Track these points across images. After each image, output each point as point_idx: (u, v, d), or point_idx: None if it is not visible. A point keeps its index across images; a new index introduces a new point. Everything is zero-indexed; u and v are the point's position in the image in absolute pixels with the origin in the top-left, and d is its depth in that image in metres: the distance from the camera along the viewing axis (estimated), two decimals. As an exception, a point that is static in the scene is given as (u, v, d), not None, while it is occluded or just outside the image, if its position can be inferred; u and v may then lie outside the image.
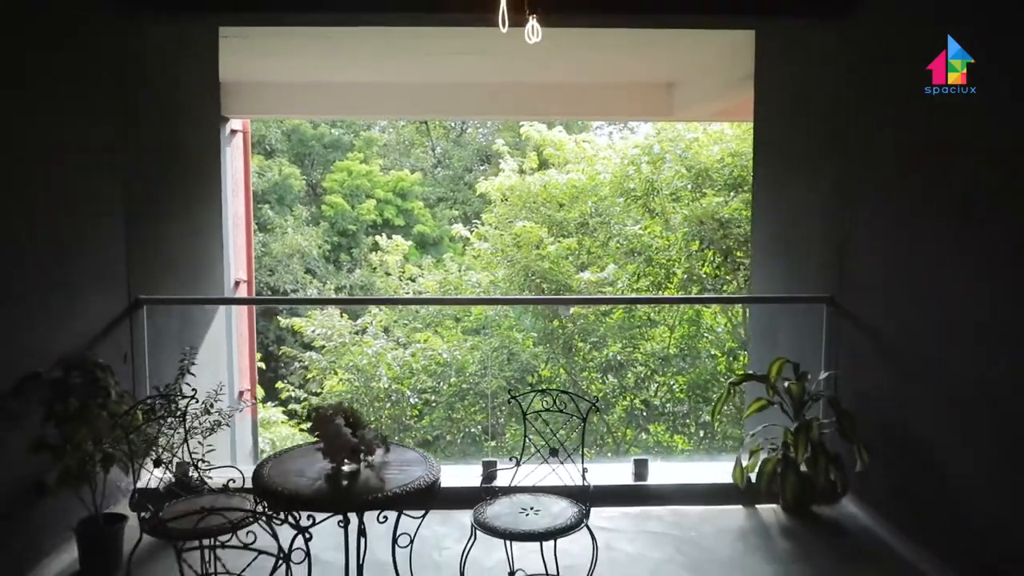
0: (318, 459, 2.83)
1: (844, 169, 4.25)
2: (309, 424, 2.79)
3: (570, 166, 10.89)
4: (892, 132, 3.86)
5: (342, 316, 10.27)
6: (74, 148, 3.70)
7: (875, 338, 4.02)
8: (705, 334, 10.25)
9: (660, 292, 9.80)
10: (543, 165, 11.64)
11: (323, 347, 9.83)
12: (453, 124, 19.30)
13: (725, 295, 9.50)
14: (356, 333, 9.95)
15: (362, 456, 2.76)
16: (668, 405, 10.03)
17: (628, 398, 9.90)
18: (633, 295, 9.75)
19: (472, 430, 9.69)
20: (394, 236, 12.63)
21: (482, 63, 6.58)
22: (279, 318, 11.72)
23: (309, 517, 2.66)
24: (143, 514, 3.03)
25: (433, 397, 9.70)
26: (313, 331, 9.79)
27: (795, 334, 4.68)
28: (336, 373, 9.67)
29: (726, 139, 9.31)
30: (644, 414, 9.73)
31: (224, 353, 5.96)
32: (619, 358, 9.46)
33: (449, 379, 9.62)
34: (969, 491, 3.27)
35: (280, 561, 2.31)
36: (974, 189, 3.27)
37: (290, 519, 2.64)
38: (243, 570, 2.59)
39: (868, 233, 4.08)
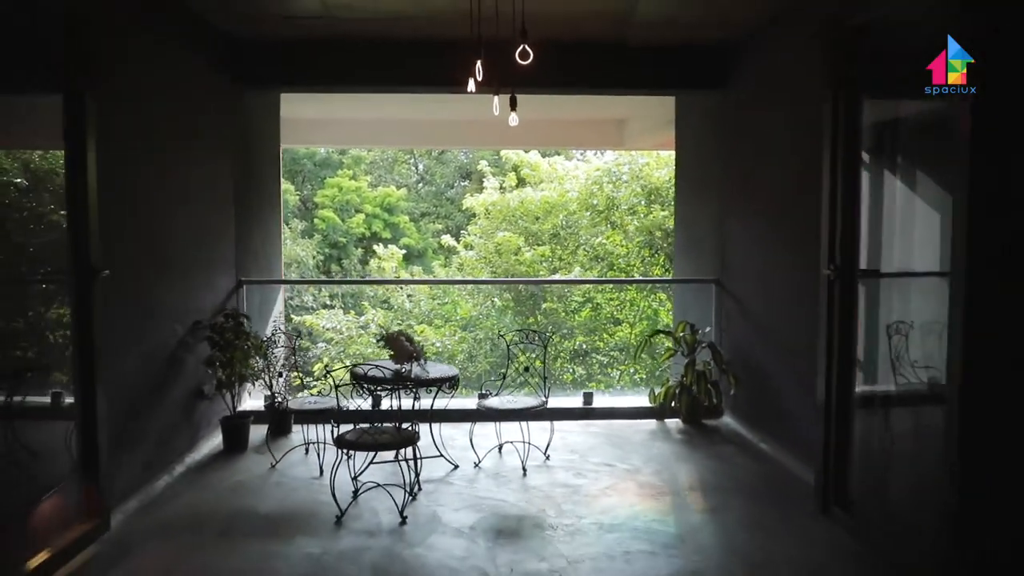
0: (386, 363, 5.03)
1: (723, 191, 6.59)
2: (382, 341, 4.99)
3: (544, 185, 13.23)
4: (741, 168, 6.21)
5: (347, 313, 12.46)
6: (211, 183, 5.90)
7: (740, 306, 6.33)
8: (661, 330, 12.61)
9: (619, 292, 12.16)
10: (521, 183, 13.97)
11: (332, 339, 12.01)
12: (436, 144, 21.47)
13: (653, 277, 11.92)
14: (360, 328, 12.14)
15: (415, 359, 4.96)
16: (627, 391, 12.33)
17: (594, 386, 12.17)
18: (587, 288, 12.09)
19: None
20: (390, 246, 14.84)
21: (469, 106, 8.84)
22: (292, 316, 13.84)
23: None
24: (277, 404, 5.25)
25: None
26: (324, 326, 11.98)
27: (698, 305, 6.98)
28: (343, 361, 11.83)
29: (672, 163, 11.68)
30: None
31: (282, 322, 8.11)
32: (585, 346, 11.75)
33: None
34: (784, 400, 5.56)
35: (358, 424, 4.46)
36: (770, 208, 5.60)
37: (374, 393, 4.85)
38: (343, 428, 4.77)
39: (735, 237, 6.40)
